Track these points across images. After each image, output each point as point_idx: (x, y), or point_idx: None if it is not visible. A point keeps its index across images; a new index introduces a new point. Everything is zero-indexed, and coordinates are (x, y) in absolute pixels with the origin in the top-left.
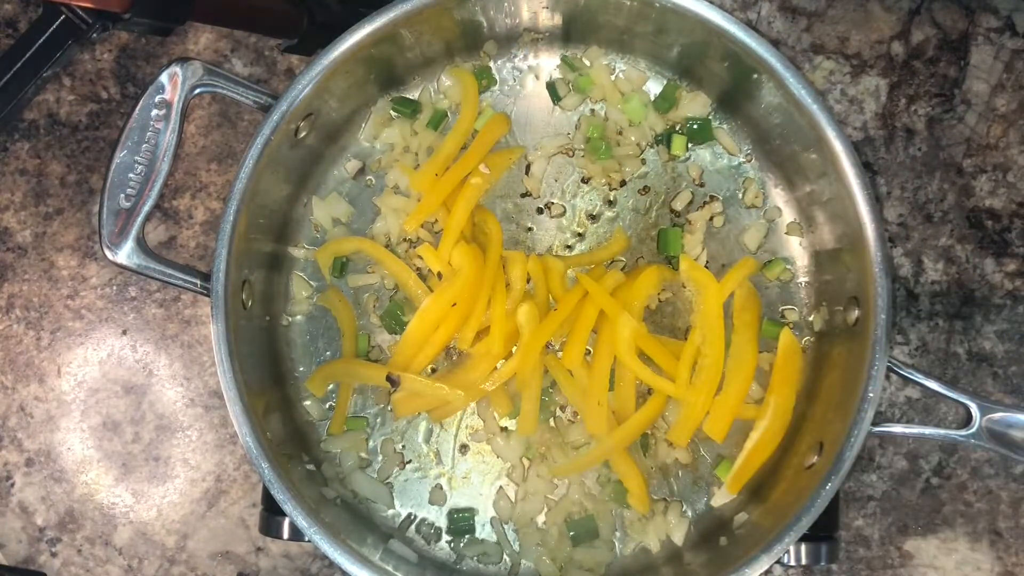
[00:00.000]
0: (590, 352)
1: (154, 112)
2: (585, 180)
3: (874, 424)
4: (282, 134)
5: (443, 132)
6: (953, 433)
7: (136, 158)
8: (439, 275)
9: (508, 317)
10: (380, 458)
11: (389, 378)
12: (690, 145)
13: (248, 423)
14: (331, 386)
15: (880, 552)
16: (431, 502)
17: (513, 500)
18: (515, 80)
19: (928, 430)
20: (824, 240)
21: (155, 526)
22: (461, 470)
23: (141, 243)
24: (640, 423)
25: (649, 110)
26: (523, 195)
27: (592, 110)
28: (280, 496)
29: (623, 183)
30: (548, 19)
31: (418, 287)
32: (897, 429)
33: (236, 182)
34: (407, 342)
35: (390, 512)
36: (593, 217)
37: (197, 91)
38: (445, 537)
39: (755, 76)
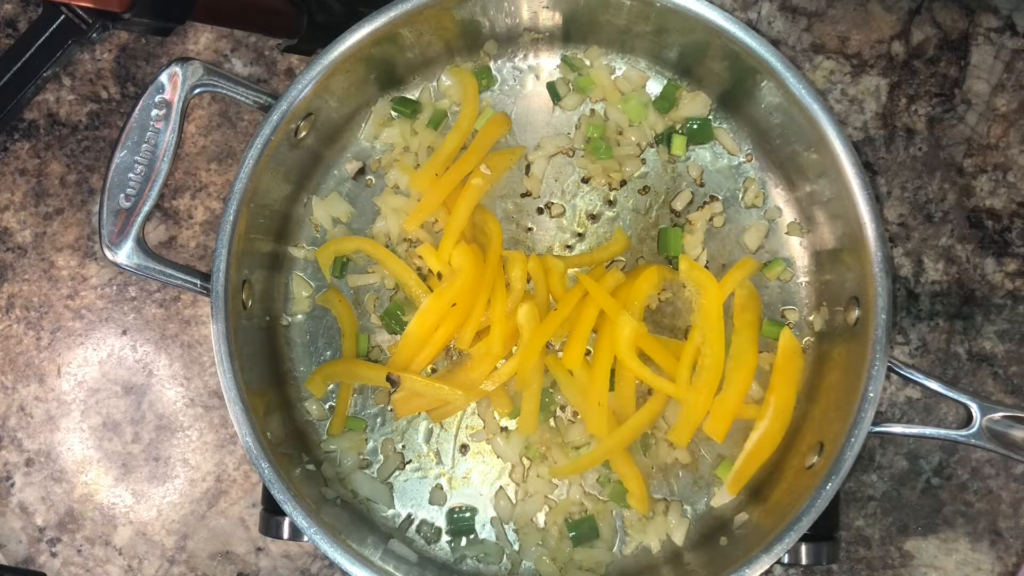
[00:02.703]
0: (590, 352)
1: (154, 112)
2: (585, 180)
3: (874, 424)
4: (282, 134)
5: (443, 132)
6: (953, 433)
7: (136, 158)
8: (439, 275)
9: (508, 317)
10: (380, 458)
11: (389, 378)
12: (690, 145)
13: (248, 423)
14: (331, 386)
15: (880, 552)
16: (431, 502)
17: (513, 500)
18: (515, 80)
19: (928, 430)
20: (824, 240)
21: (155, 526)
22: (461, 470)
23: (141, 243)
24: (640, 423)
25: (649, 110)
26: (523, 195)
27: (592, 110)
28: (280, 496)
29: (623, 183)
30: (548, 19)
31: (418, 287)
32: (897, 429)
33: (236, 182)
34: (407, 342)
35: (390, 512)
36: (593, 217)
37: (197, 91)
38: (445, 537)
39: (755, 76)
